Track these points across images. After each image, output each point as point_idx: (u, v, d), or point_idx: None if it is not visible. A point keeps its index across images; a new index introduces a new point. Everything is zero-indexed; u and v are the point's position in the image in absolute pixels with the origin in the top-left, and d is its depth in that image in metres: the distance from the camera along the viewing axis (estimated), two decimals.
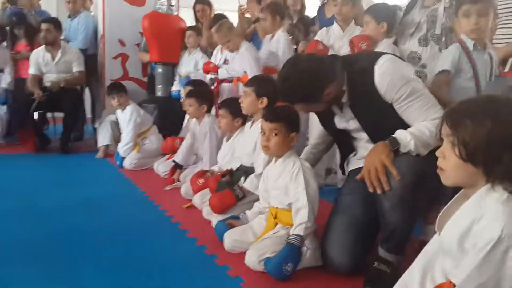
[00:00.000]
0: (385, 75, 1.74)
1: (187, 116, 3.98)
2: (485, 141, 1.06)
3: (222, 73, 3.79)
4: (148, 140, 4.14)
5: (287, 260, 1.78)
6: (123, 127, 4.17)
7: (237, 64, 3.63)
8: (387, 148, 1.67)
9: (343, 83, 1.82)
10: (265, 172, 2.21)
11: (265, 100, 2.53)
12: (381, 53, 1.86)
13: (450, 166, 1.14)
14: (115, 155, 4.10)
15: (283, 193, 2.02)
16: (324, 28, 3.24)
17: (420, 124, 1.70)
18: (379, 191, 1.66)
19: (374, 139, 1.81)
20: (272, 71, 3.49)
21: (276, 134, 2.01)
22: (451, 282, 1.18)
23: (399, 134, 1.69)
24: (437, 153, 1.18)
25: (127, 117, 4.09)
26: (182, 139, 3.65)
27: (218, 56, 4.09)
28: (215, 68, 3.87)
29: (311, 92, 1.78)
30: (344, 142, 2.08)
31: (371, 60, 1.79)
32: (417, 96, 1.73)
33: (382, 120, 1.79)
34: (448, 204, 1.24)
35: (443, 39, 2.56)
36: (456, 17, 2.47)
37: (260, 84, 2.59)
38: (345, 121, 1.94)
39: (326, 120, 2.06)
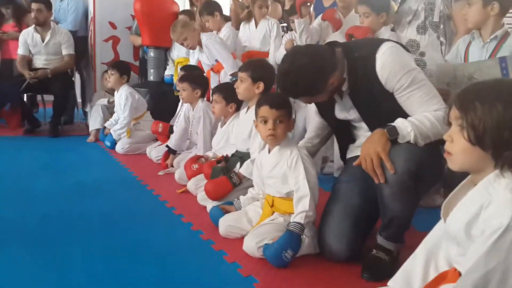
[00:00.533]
0: (387, 63, 1.70)
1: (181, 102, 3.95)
2: (495, 125, 1.04)
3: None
4: (141, 126, 4.07)
5: (286, 247, 1.75)
6: (117, 110, 4.08)
7: (205, 57, 3.65)
8: (384, 138, 1.63)
9: (344, 71, 1.79)
10: (258, 159, 2.16)
11: (261, 85, 2.48)
12: (383, 40, 1.82)
13: (457, 149, 1.12)
14: (106, 136, 4.03)
15: (280, 181, 1.98)
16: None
17: (422, 114, 1.66)
18: (376, 181, 1.65)
19: (373, 129, 1.77)
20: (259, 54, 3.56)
21: (281, 121, 1.96)
22: (455, 269, 1.17)
23: (400, 123, 1.65)
24: (445, 136, 1.15)
25: (123, 101, 3.99)
26: (165, 125, 3.66)
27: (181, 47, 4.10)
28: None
29: (315, 85, 1.73)
30: (344, 133, 2.04)
31: (373, 48, 1.75)
32: (418, 86, 1.69)
33: (382, 110, 1.75)
34: (454, 191, 1.23)
35: (441, 26, 2.54)
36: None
37: (256, 68, 2.53)
38: (346, 111, 1.91)
39: (327, 110, 2.02)
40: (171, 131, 3.61)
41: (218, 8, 3.96)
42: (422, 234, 1.35)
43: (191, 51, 4.05)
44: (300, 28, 3.03)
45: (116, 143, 3.94)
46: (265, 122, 1.97)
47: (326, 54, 1.75)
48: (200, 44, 3.60)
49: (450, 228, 1.17)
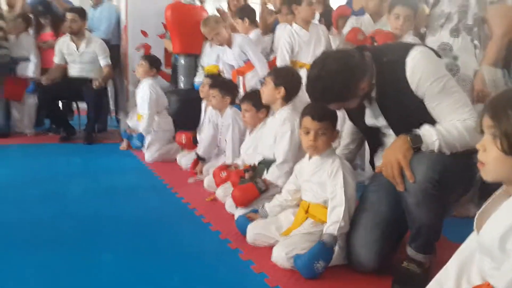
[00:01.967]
0: (418, 68, 1.65)
1: (203, 106, 3.98)
2: None
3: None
4: (156, 125, 4.04)
5: (318, 258, 1.73)
6: (139, 104, 4.11)
7: (230, 57, 3.64)
8: (406, 145, 1.59)
9: (373, 75, 1.74)
10: (297, 167, 2.17)
11: (282, 90, 2.50)
12: (413, 45, 1.76)
13: (490, 159, 1.07)
14: (134, 136, 4.05)
15: (319, 188, 1.97)
16: (354, 17, 3.15)
17: (450, 123, 1.60)
18: (397, 189, 1.61)
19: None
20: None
21: (323, 134, 1.95)
22: (489, 284, 1.12)
23: (425, 131, 1.60)
24: (478, 145, 1.11)
25: (146, 94, 3.98)
26: (188, 136, 3.69)
27: (211, 54, 4.17)
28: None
29: (346, 91, 1.68)
30: (374, 138, 2.00)
31: (403, 52, 1.70)
32: (449, 93, 1.64)
33: (410, 117, 1.69)
34: (487, 201, 1.18)
35: (475, 29, 2.47)
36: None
37: (278, 73, 2.58)
38: (374, 117, 1.86)
39: (356, 116, 1.99)
40: (194, 141, 3.64)
41: (250, 14, 3.98)
42: (455, 245, 1.30)
43: (220, 55, 4.05)
44: (335, 44, 3.02)
45: (144, 141, 3.95)
46: (307, 133, 1.96)
47: (356, 58, 1.70)
48: (228, 43, 3.61)
49: (484, 241, 1.12)
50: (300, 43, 3.31)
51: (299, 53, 3.33)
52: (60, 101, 5.12)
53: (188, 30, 4.55)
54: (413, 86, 1.66)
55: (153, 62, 4.14)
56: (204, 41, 4.69)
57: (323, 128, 1.93)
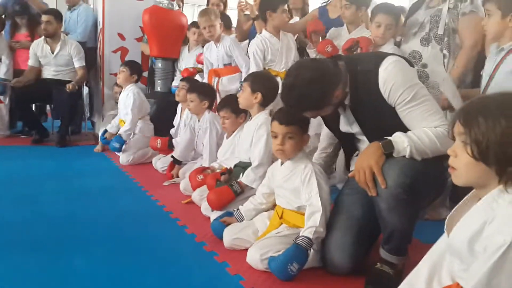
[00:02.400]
0: (390, 78, 1.69)
1: (179, 110, 3.98)
2: (498, 140, 1.03)
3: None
4: (137, 129, 4.03)
5: (292, 260, 1.74)
6: (121, 109, 4.08)
7: (213, 56, 3.62)
8: (379, 152, 1.63)
9: (347, 84, 1.78)
10: (270, 171, 2.19)
11: (259, 96, 2.52)
12: (387, 54, 1.81)
13: (461, 165, 1.12)
14: (113, 139, 3.96)
15: (292, 194, 1.99)
16: (334, 28, 3.17)
17: (422, 129, 1.65)
18: (369, 195, 1.65)
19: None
20: None
21: (291, 138, 1.98)
22: (458, 284, 1.16)
23: (397, 137, 1.64)
24: (449, 151, 1.15)
25: (130, 100, 3.96)
26: (164, 140, 3.67)
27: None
28: (194, 72, 3.99)
29: (320, 99, 1.72)
30: (349, 143, 2.04)
31: (376, 61, 1.74)
32: (420, 101, 1.68)
33: (383, 124, 1.74)
34: (458, 205, 1.22)
35: (445, 39, 2.53)
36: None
37: (255, 79, 2.59)
38: (348, 124, 1.91)
39: (332, 122, 2.03)
40: (170, 145, 3.64)
41: (224, 19, 3.97)
42: (427, 246, 1.34)
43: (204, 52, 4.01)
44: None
45: (123, 141, 3.90)
46: (275, 137, 1.99)
47: (330, 67, 1.74)
48: (217, 40, 3.60)
49: (453, 243, 1.16)
50: (272, 51, 3.30)
51: (272, 61, 3.32)
52: (33, 104, 5.04)
53: (166, 34, 4.54)
54: (385, 95, 1.71)
55: (134, 69, 4.12)
56: (183, 46, 4.69)
57: (290, 132, 1.96)
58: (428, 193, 1.72)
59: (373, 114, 1.76)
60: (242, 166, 2.57)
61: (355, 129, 1.89)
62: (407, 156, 1.61)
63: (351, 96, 1.79)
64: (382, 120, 1.75)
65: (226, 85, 3.69)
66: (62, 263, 1.86)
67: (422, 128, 1.65)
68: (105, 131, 4.15)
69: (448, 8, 2.52)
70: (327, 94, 1.71)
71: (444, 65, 2.55)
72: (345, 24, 3.10)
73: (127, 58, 4.94)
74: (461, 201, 1.21)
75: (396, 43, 2.79)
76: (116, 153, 3.99)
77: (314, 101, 1.72)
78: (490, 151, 1.04)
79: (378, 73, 1.71)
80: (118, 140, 3.90)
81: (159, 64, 4.70)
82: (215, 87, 3.60)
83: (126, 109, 3.99)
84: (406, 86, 1.68)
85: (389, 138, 1.65)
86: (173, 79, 4.74)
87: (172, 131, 3.97)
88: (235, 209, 2.25)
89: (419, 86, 1.71)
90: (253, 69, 3.31)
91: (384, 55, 1.78)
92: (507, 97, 1.09)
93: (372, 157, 1.63)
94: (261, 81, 2.56)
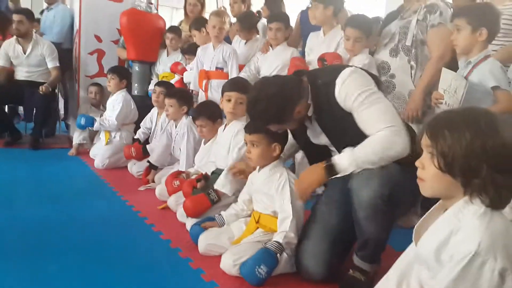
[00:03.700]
0: (344, 86, 1.74)
1: (154, 114, 3.96)
2: (463, 153, 1.07)
3: (186, 77, 3.86)
4: (119, 136, 4.05)
5: (259, 263, 1.77)
6: (108, 110, 4.08)
7: (208, 58, 3.60)
8: (322, 174, 1.75)
9: (309, 97, 1.83)
10: (250, 178, 2.22)
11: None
12: (345, 66, 1.85)
13: (429, 176, 1.15)
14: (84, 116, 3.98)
15: (268, 200, 2.03)
16: (312, 33, 3.18)
17: (368, 140, 1.68)
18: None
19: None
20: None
21: (256, 146, 2.02)
22: None
23: (338, 159, 1.72)
24: (417, 163, 1.18)
25: (117, 104, 3.98)
26: (138, 148, 3.68)
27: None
28: (183, 71, 3.95)
29: (281, 114, 1.79)
30: (318, 156, 2.02)
31: (334, 74, 1.79)
32: (371, 104, 1.70)
33: (347, 134, 1.78)
34: (425, 215, 1.26)
35: (413, 51, 2.58)
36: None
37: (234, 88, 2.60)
38: (316, 136, 1.95)
39: (300, 135, 2.07)
40: (144, 152, 3.63)
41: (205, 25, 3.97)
42: (399, 254, 1.37)
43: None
44: None
45: (92, 125, 3.93)
46: (246, 144, 2.05)
47: (293, 83, 1.82)
48: (218, 42, 3.55)
49: (421, 252, 1.20)
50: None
51: None
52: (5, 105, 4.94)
53: (144, 37, 4.50)
54: (342, 103, 1.76)
55: (122, 75, 4.12)
56: (161, 49, 4.67)
57: (255, 140, 2.03)
58: (405, 202, 1.76)
59: (336, 124, 1.81)
60: (219, 173, 2.56)
61: (323, 140, 1.93)
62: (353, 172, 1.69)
63: (314, 108, 1.85)
64: (345, 129, 1.79)
65: (215, 88, 3.63)
66: (35, 269, 1.84)
67: (374, 131, 1.67)
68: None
69: (418, 20, 2.56)
70: (288, 109, 1.78)
71: (411, 76, 2.61)
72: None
73: (103, 61, 4.91)
74: (429, 211, 1.25)
75: (370, 52, 2.84)
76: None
77: (275, 115, 1.79)
78: (455, 163, 1.08)
79: (335, 84, 1.76)
80: (88, 119, 3.93)
81: (136, 68, 4.66)
82: (203, 88, 3.57)
83: (112, 113, 3.99)
84: (358, 92, 1.71)
85: (333, 159, 1.73)
86: (149, 83, 4.72)
87: (140, 133, 3.97)
88: (217, 214, 2.26)
89: (371, 91, 1.73)
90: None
91: (342, 68, 1.82)
92: (472, 112, 1.13)
93: (316, 179, 1.76)
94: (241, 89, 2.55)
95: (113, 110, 4.01)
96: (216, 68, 3.53)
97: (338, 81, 1.75)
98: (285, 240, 1.84)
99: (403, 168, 1.66)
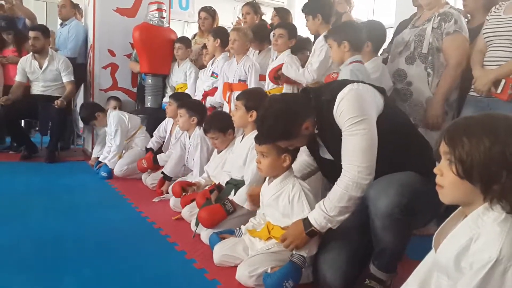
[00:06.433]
0: (341, 105, 1.72)
1: (168, 126, 3.99)
2: (482, 159, 1.05)
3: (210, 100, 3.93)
4: (134, 144, 4.12)
5: (288, 278, 1.76)
6: (108, 139, 4.14)
7: (231, 71, 3.62)
8: (301, 231, 1.79)
9: (315, 114, 1.84)
10: (262, 190, 2.20)
11: (254, 114, 2.52)
12: (348, 82, 1.82)
13: (447, 183, 1.14)
14: (101, 168, 4.02)
15: (280, 213, 2.00)
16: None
17: (334, 189, 1.72)
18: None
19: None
20: None
21: (265, 156, 2.02)
22: None
23: (313, 218, 1.76)
24: (435, 170, 1.17)
25: (112, 128, 4.05)
26: (149, 159, 3.74)
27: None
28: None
29: (289, 130, 1.81)
30: (329, 170, 2.04)
31: (337, 90, 1.77)
32: (354, 133, 1.68)
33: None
34: (445, 222, 1.24)
35: (430, 58, 2.58)
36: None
37: (250, 98, 2.59)
38: (324, 151, 1.95)
39: (313, 151, 2.07)
40: (155, 161, 3.67)
41: (223, 36, 3.97)
42: (415, 262, 1.35)
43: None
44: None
45: (111, 172, 3.96)
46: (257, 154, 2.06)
47: (300, 100, 1.85)
48: (241, 55, 3.57)
49: (440, 259, 1.18)
50: None
51: None
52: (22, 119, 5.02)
53: (156, 50, 4.58)
54: (336, 120, 1.75)
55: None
56: (173, 62, 4.72)
57: (264, 151, 2.03)
58: (424, 214, 1.73)
59: (337, 141, 1.77)
60: (234, 184, 2.57)
61: (329, 155, 1.93)
62: (332, 226, 1.74)
63: (318, 125, 1.86)
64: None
65: None
66: (51, 282, 1.84)
67: (345, 165, 1.71)
68: (99, 162, 4.15)
69: (432, 27, 2.57)
70: (295, 126, 1.81)
71: (428, 84, 2.60)
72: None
73: (117, 74, 4.98)
74: (448, 218, 1.24)
75: (383, 60, 2.84)
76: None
77: (281, 132, 1.82)
78: (474, 169, 1.07)
79: (335, 101, 1.75)
80: (105, 169, 3.96)
81: (149, 80, 4.72)
82: (227, 99, 3.61)
83: (113, 139, 4.06)
84: (350, 115, 1.69)
85: (309, 215, 1.78)
86: (163, 95, 4.76)
87: (153, 141, 4.04)
88: (238, 228, 2.25)
89: (361, 117, 1.68)
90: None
91: (346, 83, 1.79)
92: (491, 118, 1.12)
93: (299, 236, 1.79)
94: (255, 99, 2.54)
95: (113, 137, 4.07)
96: (239, 80, 3.56)
97: (338, 98, 1.75)
98: (309, 254, 1.84)
99: (424, 177, 1.64)
